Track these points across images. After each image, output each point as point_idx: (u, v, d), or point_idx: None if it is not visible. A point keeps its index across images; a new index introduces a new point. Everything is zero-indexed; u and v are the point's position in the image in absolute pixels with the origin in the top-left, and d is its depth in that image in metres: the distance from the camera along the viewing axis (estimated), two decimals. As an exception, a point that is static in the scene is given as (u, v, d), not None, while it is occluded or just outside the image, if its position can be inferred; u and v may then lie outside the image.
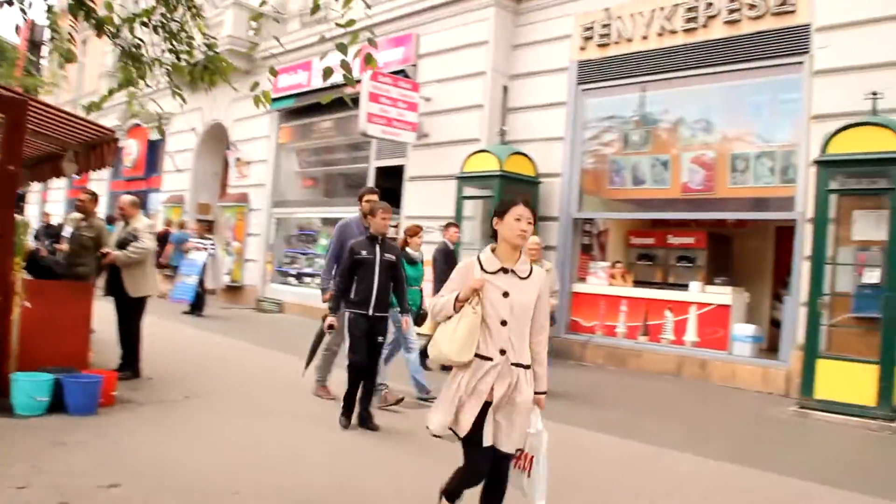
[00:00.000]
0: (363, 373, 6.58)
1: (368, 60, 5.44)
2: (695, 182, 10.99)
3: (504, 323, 3.63)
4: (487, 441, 3.61)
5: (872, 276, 8.49)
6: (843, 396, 8.14)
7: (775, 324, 11.14)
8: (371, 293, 6.47)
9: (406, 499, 4.85)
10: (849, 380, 8.14)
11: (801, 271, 9.38)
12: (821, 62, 9.41)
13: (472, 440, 3.63)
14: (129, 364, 8.11)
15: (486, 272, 3.70)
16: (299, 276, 17.48)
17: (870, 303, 8.38)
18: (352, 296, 6.53)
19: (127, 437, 5.80)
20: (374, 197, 7.53)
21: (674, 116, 11.38)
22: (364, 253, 6.51)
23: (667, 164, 11.33)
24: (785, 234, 10.96)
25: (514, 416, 3.64)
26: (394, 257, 6.69)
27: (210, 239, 15.97)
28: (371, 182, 14.99)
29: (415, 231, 8.66)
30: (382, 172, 14.95)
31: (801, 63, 9.66)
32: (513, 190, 11.68)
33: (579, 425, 7.12)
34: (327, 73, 5.39)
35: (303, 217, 17.94)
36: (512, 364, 3.64)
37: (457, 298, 3.67)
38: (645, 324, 11.15)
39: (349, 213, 15.57)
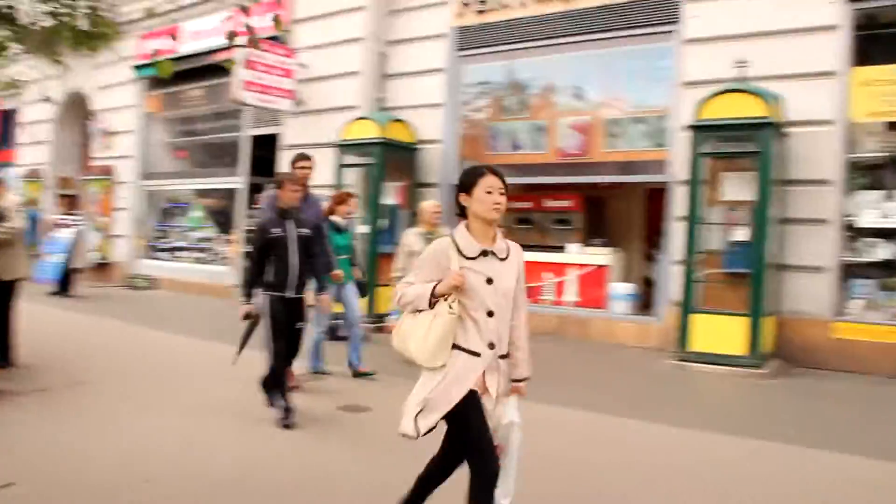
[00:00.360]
0: (287, 360, 6.13)
1: (277, 23, 5.18)
2: (571, 147, 11.17)
3: (491, 314, 3.25)
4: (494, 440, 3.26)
5: (740, 234, 8.88)
6: (716, 347, 8.52)
7: (646, 282, 11.53)
8: (286, 274, 5.94)
9: (312, 485, 4.65)
10: (721, 332, 8.52)
11: (674, 231, 9.73)
12: (691, 31, 9.69)
13: (476, 442, 3.20)
14: (3, 352, 7.56)
15: (466, 257, 3.24)
16: (172, 251, 16.79)
17: (739, 259, 8.77)
18: (268, 278, 5.96)
19: (12, 431, 5.39)
20: (308, 163, 7.10)
21: (550, 83, 11.47)
22: (276, 230, 5.93)
23: (543, 130, 11.46)
24: (654, 195, 11.31)
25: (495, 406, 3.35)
26: (309, 231, 6.14)
27: (75, 215, 15.09)
28: (246, 151, 14.54)
29: (342, 199, 8.27)
30: (258, 141, 14.48)
31: (672, 32, 9.93)
32: (393, 157, 11.60)
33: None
34: (231, 36, 5.11)
35: (174, 189, 17.19)
36: (499, 357, 3.33)
37: (433, 293, 3.22)
38: (527, 286, 11.28)
39: (223, 184, 15.27)
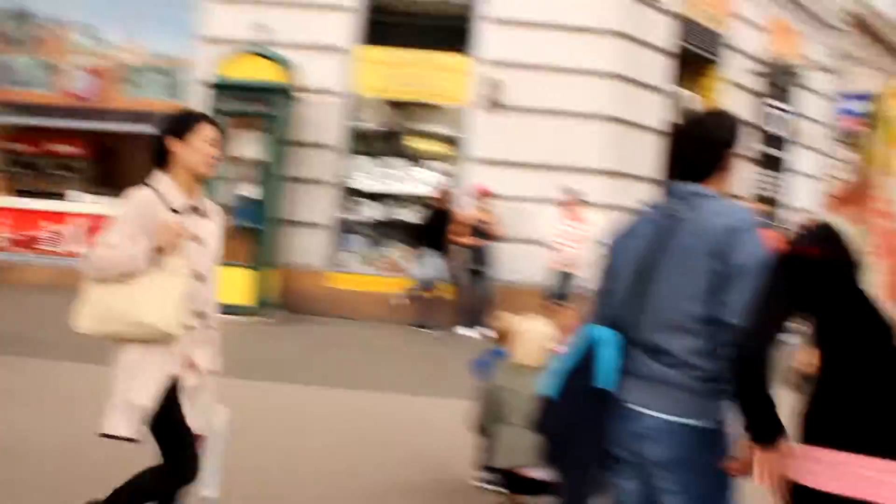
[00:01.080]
0: None
1: None
2: (82, 90, 10.35)
3: (200, 277, 2.75)
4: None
5: (250, 190, 9.10)
6: (225, 298, 8.53)
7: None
8: None
9: None
10: (229, 283, 8.50)
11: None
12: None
13: (176, 429, 2.69)
14: None
15: (173, 211, 2.70)
16: None
17: (248, 214, 8.96)
18: None
19: None
20: None
21: (65, 18, 10.47)
22: None
23: (52, 68, 10.43)
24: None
25: (199, 389, 2.83)
26: None
27: None
28: None
29: None
30: None
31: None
32: None
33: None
34: None
35: None
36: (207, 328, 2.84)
37: (155, 248, 2.61)
38: (24, 235, 10.17)
39: None
